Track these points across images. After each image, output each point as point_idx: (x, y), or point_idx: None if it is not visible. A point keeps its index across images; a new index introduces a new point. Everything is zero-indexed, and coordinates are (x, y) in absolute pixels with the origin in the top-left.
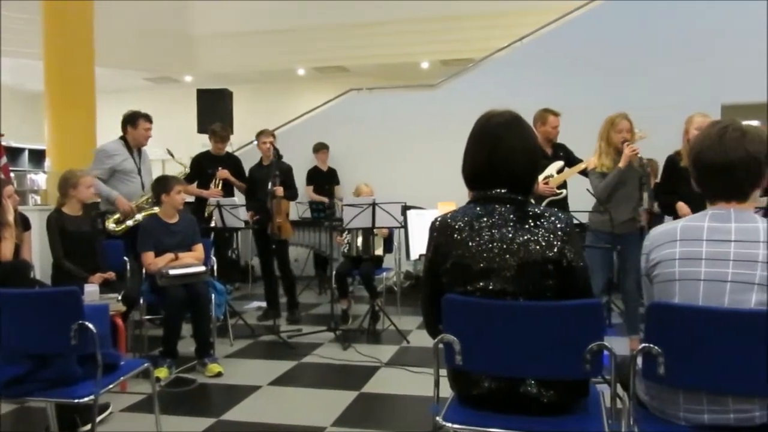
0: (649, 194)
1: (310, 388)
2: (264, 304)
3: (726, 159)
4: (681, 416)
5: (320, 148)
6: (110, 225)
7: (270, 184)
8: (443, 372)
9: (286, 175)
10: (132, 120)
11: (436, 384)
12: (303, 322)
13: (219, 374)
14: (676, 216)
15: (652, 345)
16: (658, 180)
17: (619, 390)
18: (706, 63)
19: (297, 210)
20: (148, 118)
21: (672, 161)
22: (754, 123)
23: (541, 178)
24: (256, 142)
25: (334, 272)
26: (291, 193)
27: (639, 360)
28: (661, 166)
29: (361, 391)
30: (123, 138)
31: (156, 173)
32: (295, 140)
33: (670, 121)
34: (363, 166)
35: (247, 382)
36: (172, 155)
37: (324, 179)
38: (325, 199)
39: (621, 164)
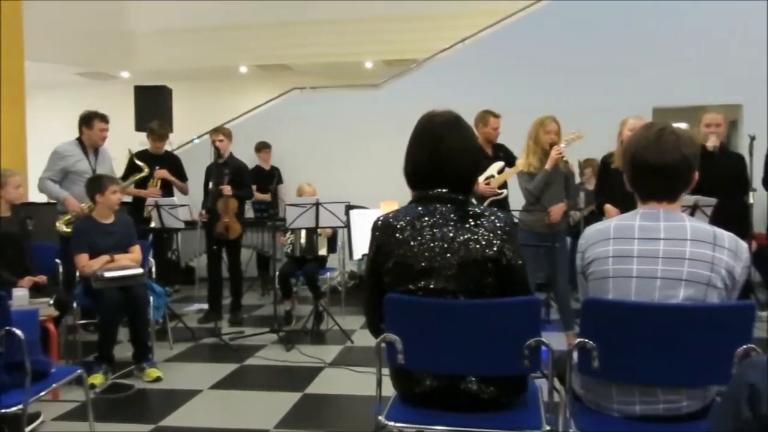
0: (574, 194)
1: (253, 391)
2: (205, 306)
3: (662, 161)
4: (615, 408)
5: (262, 147)
6: (61, 226)
7: (213, 184)
8: (386, 371)
9: (239, 174)
10: (87, 120)
11: (379, 384)
12: (246, 324)
13: (158, 379)
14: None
15: (587, 340)
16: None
17: (557, 384)
18: (639, 68)
19: (252, 209)
20: (103, 119)
21: (605, 163)
22: (683, 125)
23: (482, 178)
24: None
25: (277, 273)
26: (243, 193)
27: (575, 355)
28: None
29: (304, 392)
30: (79, 139)
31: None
32: (237, 139)
33: (605, 123)
34: (306, 166)
35: (188, 386)
36: (133, 156)
37: (266, 179)
38: (268, 199)
39: (547, 166)
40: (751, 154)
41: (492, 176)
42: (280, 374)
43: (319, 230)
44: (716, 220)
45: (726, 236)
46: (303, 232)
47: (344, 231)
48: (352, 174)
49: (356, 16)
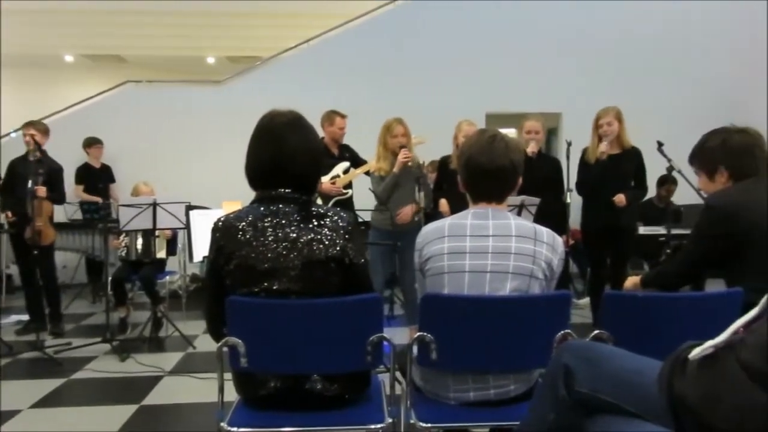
0: (426, 194)
1: (82, 407)
2: (25, 317)
3: (494, 165)
4: (451, 396)
5: (93, 143)
6: None
7: (30, 183)
8: (228, 376)
9: (53, 176)
10: None
11: (221, 389)
12: (74, 335)
13: None
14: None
15: (425, 333)
16: None
17: (400, 377)
18: (474, 75)
19: (66, 211)
20: None
21: (444, 163)
22: (511, 131)
23: (328, 177)
24: (14, 134)
25: (110, 278)
26: (56, 196)
27: (415, 348)
28: None
29: (141, 404)
30: None
31: None
32: (63, 134)
33: (446, 126)
34: (142, 164)
35: (4, 407)
36: None
37: (97, 177)
38: (99, 199)
39: (395, 169)
40: (568, 158)
41: (338, 176)
42: (113, 387)
43: (157, 232)
44: (539, 218)
45: (545, 232)
46: (139, 234)
47: (184, 232)
48: (193, 173)
49: (199, 9)
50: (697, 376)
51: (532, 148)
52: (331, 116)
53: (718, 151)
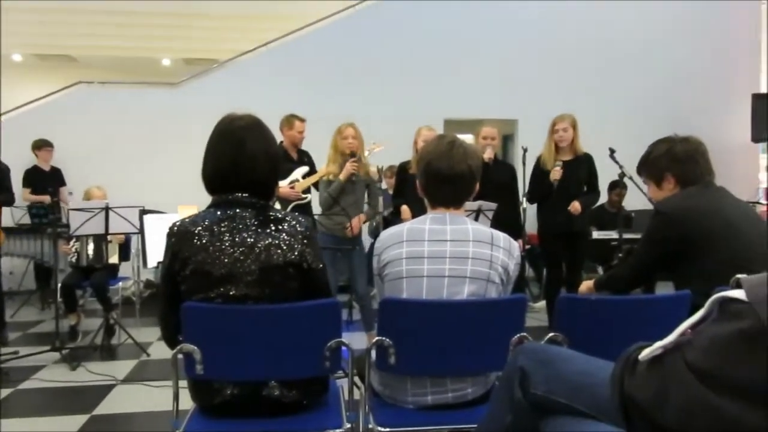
0: (375, 201)
1: (29, 418)
2: None
3: (453, 171)
4: (409, 400)
5: (42, 146)
6: None
7: None
8: (184, 384)
9: (1, 176)
10: None
11: (176, 397)
12: (21, 343)
13: None
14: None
15: (384, 338)
16: None
17: (358, 382)
18: (434, 81)
19: (13, 215)
20: None
21: (403, 169)
22: (468, 137)
23: (287, 181)
24: None
25: (59, 284)
26: (5, 198)
27: (373, 353)
28: None
29: (92, 414)
30: None
31: None
32: (10, 135)
33: (405, 131)
34: (94, 167)
35: None
36: None
37: (46, 180)
38: (45, 198)
39: (341, 177)
40: (524, 164)
41: (297, 180)
42: (63, 396)
43: (109, 237)
44: (495, 223)
45: (501, 236)
46: (91, 239)
47: (138, 237)
48: (147, 177)
49: (154, 9)
50: (647, 377)
51: (488, 154)
52: (290, 120)
53: (664, 159)
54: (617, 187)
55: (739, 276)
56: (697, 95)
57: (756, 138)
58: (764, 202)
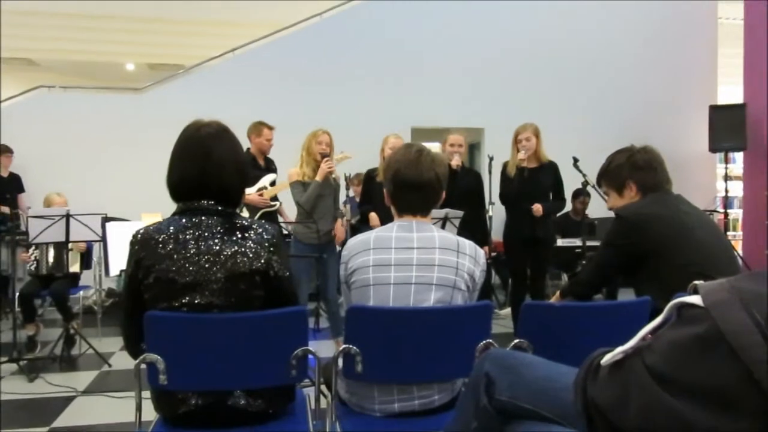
0: (351, 207)
1: None
2: None
3: (420, 179)
4: (376, 408)
5: (1, 151)
6: None
7: None
8: (147, 394)
9: None
10: None
11: (138, 408)
12: None
13: None
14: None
15: (351, 346)
16: None
17: (325, 390)
18: (401, 90)
19: None
20: None
21: (370, 176)
22: (435, 145)
23: (255, 189)
24: None
25: (17, 294)
26: None
27: (340, 361)
28: None
29: (51, 426)
30: None
31: None
32: None
33: (372, 139)
34: (55, 174)
35: None
36: None
37: (4, 187)
38: (6, 209)
39: (318, 177)
40: (490, 172)
41: (265, 188)
42: (20, 409)
43: (70, 245)
44: (462, 230)
45: (467, 244)
46: (50, 247)
47: (100, 245)
48: (110, 183)
49: (117, 13)
50: (608, 381)
51: (456, 161)
52: (258, 127)
53: (625, 167)
54: (581, 195)
55: (696, 282)
56: (656, 107)
57: (713, 148)
58: (721, 210)
